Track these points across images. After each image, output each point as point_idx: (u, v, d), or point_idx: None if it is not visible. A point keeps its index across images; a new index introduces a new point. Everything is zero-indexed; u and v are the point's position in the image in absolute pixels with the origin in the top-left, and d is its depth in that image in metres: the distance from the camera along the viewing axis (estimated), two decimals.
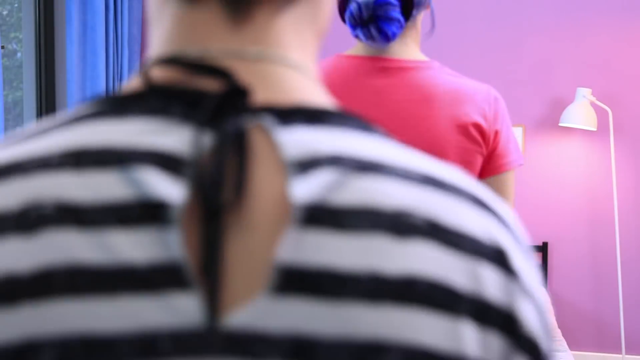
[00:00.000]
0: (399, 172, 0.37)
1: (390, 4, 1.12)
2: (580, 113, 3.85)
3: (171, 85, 0.37)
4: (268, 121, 0.37)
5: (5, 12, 4.00)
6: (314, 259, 0.34)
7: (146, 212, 0.33)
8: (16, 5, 4.02)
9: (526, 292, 0.41)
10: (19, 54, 4.07)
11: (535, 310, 0.40)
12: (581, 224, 4.13)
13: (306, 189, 0.35)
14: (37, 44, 4.09)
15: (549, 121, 4.15)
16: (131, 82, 0.40)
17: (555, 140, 4.15)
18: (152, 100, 0.37)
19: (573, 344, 4.14)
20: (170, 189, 0.34)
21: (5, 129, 3.95)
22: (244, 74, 0.38)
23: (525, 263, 0.44)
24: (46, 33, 4.12)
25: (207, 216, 0.33)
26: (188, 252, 0.33)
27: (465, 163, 1.20)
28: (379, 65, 1.19)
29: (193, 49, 0.38)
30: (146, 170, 0.34)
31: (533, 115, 4.16)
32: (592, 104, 4.00)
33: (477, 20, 4.21)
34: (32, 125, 0.41)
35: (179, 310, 0.33)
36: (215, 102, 0.36)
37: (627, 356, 4.07)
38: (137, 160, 0.34)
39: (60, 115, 0.39)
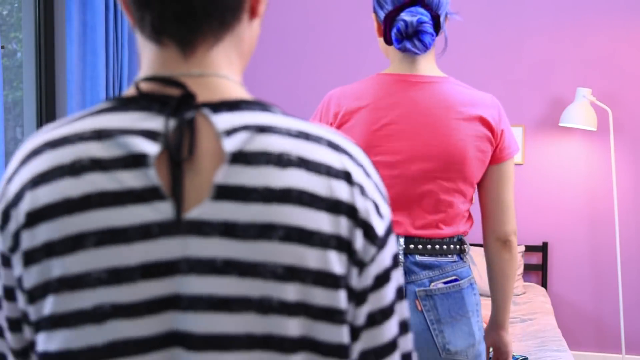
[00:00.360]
0: (282, 131, 0.68)
1: (427, 22, 1.50)
2: (580, 113, 3.85)
3: (151, 93, 0.69)
4: (205, 111, 0.68)
5: (5, 12, 4.00)
6: (234, 180, 0.65)
7: (136, 160, 0.65)
8: (16, 5, 4.02)
9: (364, 194, 0.69)
10: (19, 54, 4.07)
11: (371, 204, 0.70)
12: (581, 224, 4.13)
13: (230, 144, 0.66)
14: (37, 44, 4.09)
15: (549, 121, 4.15)
16: (129, 90, 0.73)
17: (555, 140, 4.15)
18: (141, 102, 0.69)
19: (573, 344, 4.14)
20: (150, 148, 0.66)
21: (5, 129, 3.95)
22: (191, 85, 0.70)
23: (364, 178, 0.71)
24: (46, 33, 4.12)
25: (172, 164, 0.65)
26: (162, 182, 0.65)
27: (479, 150, 1.57)
28: (413, 80, 1.58)
29: (163, 72, 0.71)
30: (138, 139, 0.66)
31: (533, 115, 4.17)
32: (592, 104, 4.00)
33: (477, 21, 4.21)
34: (72, 114, 1.01)
35: (161, 211, 0.65)
36: (176, 102, 0.67)
37: (627, 356, 4.07)
38: (133, 134, 0.66)
39: (89, 109, 0.70)
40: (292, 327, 0.65)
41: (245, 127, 0.67)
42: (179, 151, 0.65)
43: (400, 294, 0.73)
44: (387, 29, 1.54)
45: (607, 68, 4.06)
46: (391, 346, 0.70)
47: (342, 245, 0.67)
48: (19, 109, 4.08)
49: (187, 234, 0.64)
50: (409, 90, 1.57)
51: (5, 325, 0.70)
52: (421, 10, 1.52)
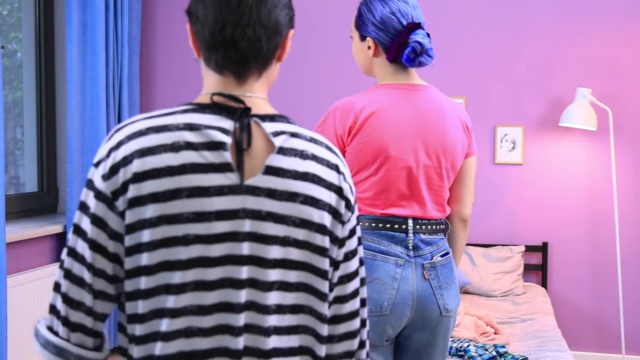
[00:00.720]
0: (302, 137, 1.09)
1: (429, 46, 1.86)
2: (580, 113, 3.85)
3: (219, 103, 1.07)
4: (257, 119, 1.08)
5: (5, 12, 4.00)
6: (276, 164, 1.05)
7: (217, 145, 1.03)
8: (16, 5, 4.01)
9: (345, 180, 1.11)
10: (19, 54, 4.07)
11: (348, 186, 1.12)
12: (581, 224, 4.13)
13: (277, 141, 1.06)
14: (37, 44, 4.09)
15: (549, 121, 4.15)
16: (202, 98, 1.09)
17: (555, 140, 4.14)
18: (214, 108, 1.07)
19: (573, 344, 4.14)
20: (225, 139, 1.04)
21: (5, 129, 3.94)
22: (247, 102, 1.09)
23: (345, 169, 1.13)
24: (46, 33, 4.12)
25: (238, 151, 1.03)
26: (233, 161, 1.04)
27: (462, 146, 1.94)
28: (411, 89, 1.90)
29: (225, 91, 1.09)
30: (216, 132, 1.04)
31: (533, 115, 4.17)
32: (592, 104, 4.00)
33: (477, 21, 4.21)
34: (160, 109, 2.67)
35: (230, 178, 1.03)
36: (240, 111, 1.06)
37: (627, 356, 4.07)
38: (213, 129, 1.04)
39: (174, 108, 1.08)
40: (300, 255, 1.07)
41: (283, 132, 1.08)
42: (242, 143, 1.04)
43: (360, 242, 1.18)
44: (399, 49, 1.84)
45: (607, 68, 4.06)
46: (355, 273, 1.16)
47: (332, 210, 1.10)
48: (19, 109, 4.08)
49: (245, 193, 1.04)
50: (410, 96, 1.88)
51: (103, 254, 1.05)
52: (423, 32, 1.85)
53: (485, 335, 3.13)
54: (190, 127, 1.04)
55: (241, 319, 1.03)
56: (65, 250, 1.07)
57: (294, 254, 1.07)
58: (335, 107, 1.85)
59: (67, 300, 1.05)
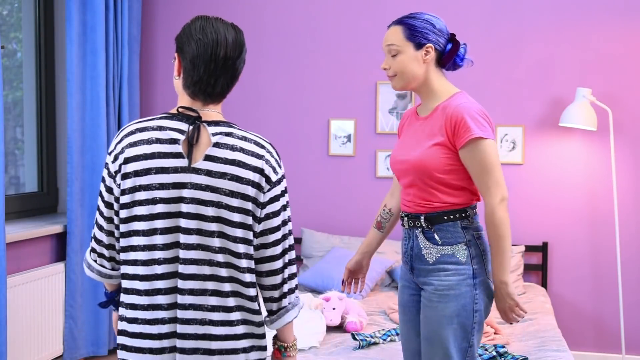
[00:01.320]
0: (234, 135, 1.63)
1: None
2: (580, 113, 3.84)
3: (183, 113, 1.65)
4: (204, 124, 1.64)
5: (5, 12, 3.99)
6: (213, 153, 1.60)
7: (174, 141, 1.60)
8: (16, 5, 4.01)
9: (267, 164, 1.63)
10: (19, 54, 4.07)
11: (270, 168, 1.63)
12: (581, 224, 4.13)
13: (214, 139, 1.61)
14: (37, 44, 4.09)
15: (549, 121, 4.15)
16: (174, 109, 1.66)
17: (555, 140, 4.14)
18: (178, 116, 1.65)
19: (573, 344, 4.13)
20: (179, 137, 1.61)
21: (5, 129, 3.94)
22: (202, 114, 1.66)
23: (270, 158, 1.64)
24: (46, 33, 4.11)
25: (189, 144, 1.60)
26: (184, 151, 1.60)
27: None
28: None
29: (192, 107, 1.66)
30: (175, 132, 1.61)
31: (533, 115, 4.17)
32: (592, 104, 3.99)
33: (477, 21, 4.21)
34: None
35: (183, 162, 1.59)
36: (192, 119, 1.64)
37: (627, 356, 4.07)
38: (174, 130, 1.62)
39: (158, 115, 1.80)
40: (235, 217, 1.58)
41: (220, 133, 1.61)
42: (192, 139, 1.58)
43: (285, 209, 1.66)
44: (454, 54, 2.12)
45: (607, 68, 4.06)
46: (276, 228, 1.64)
47: (255, 184, 1.59)
48: (19, 109, 4.08)
49: (191, 172, 1.58)
50: None
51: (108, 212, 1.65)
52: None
53: (485, 335, 3.13)
54: (160, 128, 1.61)
55: (190, 254, 1.57)
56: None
57: (225, 213, 1.57)
58: (485, 112, 2.08)
59: (94, 238, 1.69)
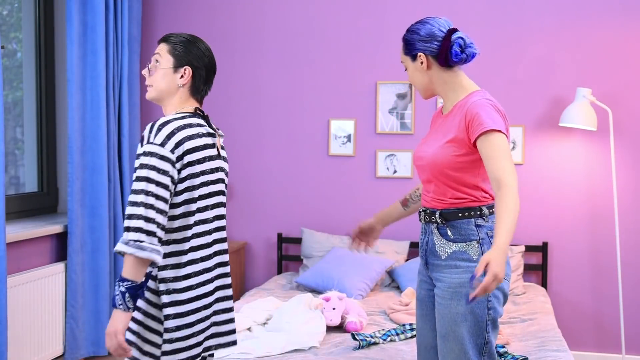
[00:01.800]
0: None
1: (470, 40, 2.16)
2: (580, 113, 3.84)
3: (199, 112, 2.11)
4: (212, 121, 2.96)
5: (5, 12, 3.99)
6: (221, 143, 2.19)
7: (211, 134, 2.08)
8: (16, 5, 4.01)
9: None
10: (19, 54, 4.07)
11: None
12: (581, 224, 4.13)
13: (220, 132, 2.18)
14: (37, 44, 4.09)
15: (549, 121, 4.15)
16: (188, 109, 2.08)
17: (555, 140, 4.15)
18: (197, 114, 2.09)
19: (573, 344, 4.14)
20: (212, 131, 2.10)
21: (5, 129, 3.94)
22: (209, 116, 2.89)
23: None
24: (46, 33, 4.11)
25: (213, 137, 2.12)
26: (217, 142, 2.14)
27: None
28: None
29: (200, 108, 2.16)
30: (207, 127, 2.08)
31: (533, 115, 4.17)
32: (592, 104, 4.00)
33: (477, 21, 4.21)
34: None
35: (215, 151, 2.07)
36: (207, 117, 2.12)
37: (627, 356, 4.07)
38: (202, 126, 2.06)
39: (182, 113, 2.07)
40: (224, 187, 2.14)
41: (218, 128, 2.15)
42: (216, 133, 2.10)
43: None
44: (447, 51, 2.10)
45: (607, 68, 4.06)
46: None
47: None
48: (19, 109, 4.07)
49: (219, 159, 2.09)
50: None
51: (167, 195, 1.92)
52: (461, 32, 2.14)
53: None
54: (199, 125, 2.01)
55: (222, 223, 2.10)
56: None
57: (223, 186, 2.10)
58: (500, 108, 2.09)
59: (154, 222, 1.87)
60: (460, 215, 2.09)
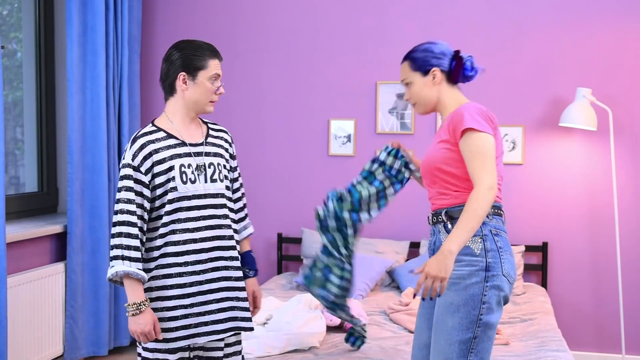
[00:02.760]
0: None
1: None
2: (580, 113, 3.84)
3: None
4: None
5: (5, 12, 3.99)
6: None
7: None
8: (16, 5, 4.01)
9: None
10: (19, 54, 4.07)
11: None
12: (581, 224, 4.13)
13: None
14: (37, 44, 4.09)
15: (549, 121, 4.15)
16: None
17: (555, 140, 4.14)
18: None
19: (573, 344, 4.14)
20: None
21: (5, 129, 3.94)
22: None
23: None
24: (46, 33, 4.11)
25: None
26: None
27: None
28: None
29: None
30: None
31: (533, 115, 4.17)
32: (592, 104, 3.99)
33: (477, 21, 4.21)
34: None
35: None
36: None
37: (627, 356, 4.07)
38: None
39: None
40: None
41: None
42: None
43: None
44: (459, 69, 2.27)
45: (607, 68, 4.06)
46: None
47: None
48: (19, 109, 4.07)
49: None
50: None
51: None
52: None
53: None
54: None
55: None
56: None
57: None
58: (485, 112, 2.19)
59: None
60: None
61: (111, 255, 2.17)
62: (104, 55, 3.99)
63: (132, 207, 2.16)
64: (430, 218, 2.27)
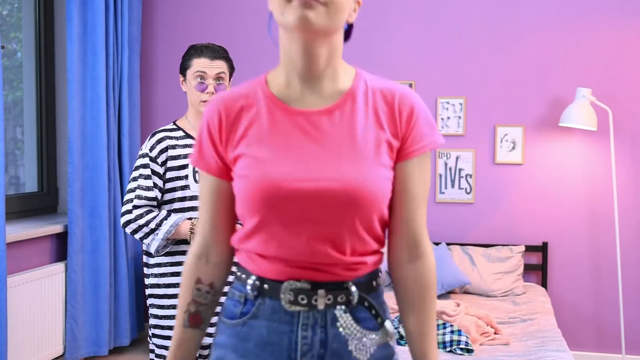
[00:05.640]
0: None
1: None
2: (580, 113, 3.84)
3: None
4: None
5: (5, 12, 3.99)
6: None
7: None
8: (16, 5, 4.01)
9: None
10: (19, 54, 4.07)
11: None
12: (581, 224, 4.13)
13: None
14: (37, 44, 4.09)
15: (549, 121, 4.15)
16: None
17: (555, 140, 4.14)
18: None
19: (573, 344, 4.14)
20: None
21: (5, 129, 3.94)
22: None
23: None
24: (46, 33, 4.11)
25: None
26: None
27: None
28: None
29: None
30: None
31: (533, 115, 4.16)
32: (592, 104, 3.99)
33: (477, 21, 4.21)
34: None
35: None
36: None
37: (627, 356, 4.07)
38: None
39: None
40: None
41: None
42: None
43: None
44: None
45: (607, 68, 4.06)
46: None
47: None
48: (19, 109, 4.08)
49: None
50: None
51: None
52: None
53: (485, 335, 3.13)
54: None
55: None
56: None
57: None
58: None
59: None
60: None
61: (131, 217, 2.30)
62: (104, 55, 3.99)
63: (150, 183, 2.31)
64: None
